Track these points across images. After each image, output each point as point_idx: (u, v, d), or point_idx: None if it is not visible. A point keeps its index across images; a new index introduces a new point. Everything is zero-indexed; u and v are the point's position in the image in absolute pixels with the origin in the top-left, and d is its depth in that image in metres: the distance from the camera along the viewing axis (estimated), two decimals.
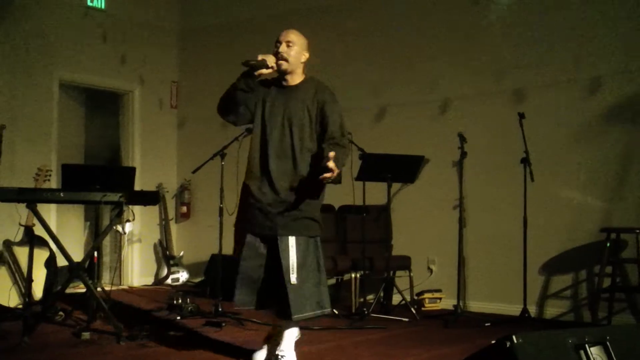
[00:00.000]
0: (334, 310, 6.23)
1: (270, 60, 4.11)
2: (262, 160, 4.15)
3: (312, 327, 5.28)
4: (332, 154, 3.82)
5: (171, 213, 8.93)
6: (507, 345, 2.62)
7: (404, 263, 6.81)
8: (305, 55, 4.27)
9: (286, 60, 4.15)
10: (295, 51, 4.20)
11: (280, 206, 4.08)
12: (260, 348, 4.36)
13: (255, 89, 4.19)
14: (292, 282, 4.01)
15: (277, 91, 4.22)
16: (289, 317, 4.05)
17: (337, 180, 4.07)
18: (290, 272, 4.02)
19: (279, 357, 4.14)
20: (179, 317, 5.80)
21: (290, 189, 4.10)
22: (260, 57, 4.11)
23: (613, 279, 5.96)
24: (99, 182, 5.30)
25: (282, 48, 4.17)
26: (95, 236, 8.44)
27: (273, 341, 4.29)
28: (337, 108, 4.26)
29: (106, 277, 8.54)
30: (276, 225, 4.07)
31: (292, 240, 4.07)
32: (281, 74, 4.20)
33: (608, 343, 2.85)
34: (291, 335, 4.22)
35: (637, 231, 5.72)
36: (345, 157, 4.11)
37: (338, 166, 3.86)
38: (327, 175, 3.82)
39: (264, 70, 4.11)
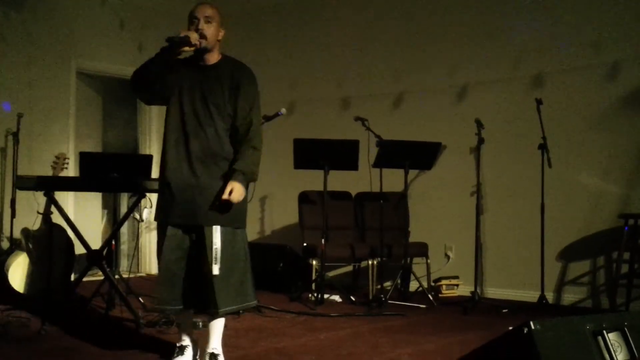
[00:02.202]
0: (352, 297, 6.26)
1: (193, 37, 3.84)
2: (180, 144, 3.84)
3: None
4: (230, 192, 3.65)
5: None
6: (525, 332, 2.62)
7: (422, 250, 6.80)
8: (222, 32, 4.04)
9: (205, 37, 3.88)
10: (214, 27, 3.96)
11: (203, 193, 3.76)
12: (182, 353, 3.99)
13: (173, 67, 3.92)
14: (214, 273, 3.69)
15: (193, 71, 3.94)
16: (215, 311, 3.75)
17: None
18: (214, 263, 3.70)
19: (215, 355, 3.88)
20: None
21: (211, 175, 3.80)
22: (183, 33, 3.84)
23: (631, 265, 5.92)
24: (117, 169, 5.32)
25: (202, 24, 3.89)
26: (113, 224, 8.48)
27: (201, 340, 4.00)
28: (252, 91, 3.99)
29: (124, 264, 8.60)
30: (200, 215, 3.75)
31: (217, 230, 3.75)
32: (199, 52, 3.92)
33: (626, 329, 2.84)
34: (219, 329, 3.94)
35: None
36: (257, 159, 3.87)
37: (235, 198, 3.68)
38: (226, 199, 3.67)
39: (187, 48, 3.85)
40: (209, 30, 3.92)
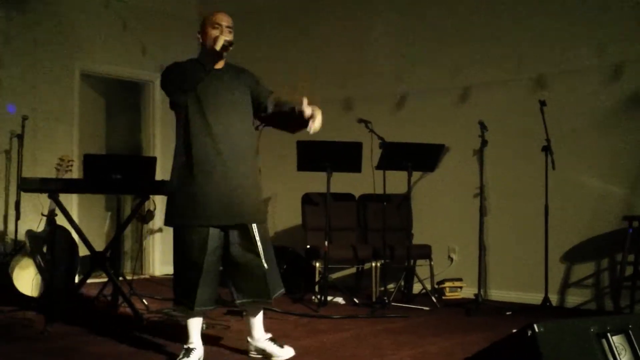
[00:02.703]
0: (355, 299, 6.26)
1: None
2: (208, 146, 3.96)
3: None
4: (305, 102, 4.06)
5: None
6: (529, 334, 2.62)
7: (425, 252, 6.80)
8: None
9: (232, 44, 4.04)
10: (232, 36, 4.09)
11: (239, 192, 3.97)
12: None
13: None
14: (266, 268, 4.01)
15: (209, 75, 4.04)
16: (267, 300, 4.05)
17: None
18: (263, 258, 4.00)
19: (273, 338, 4.16)
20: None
21: (243, 174, 4.02)
22: (224, 38, 3.98)
23: (635, 267, 5.91)
24: (121, 171, 5.33)
25: (226, 32, 4.05)
26: (117, 226, 8.50)
27: None
28: (261, 81, 4.35)
29: (127, 266, 8.61)
30: (241, 213, 3.97)
31: (255, 228, 4.01)
32: (217, 57, 4.04)
33: (630, 332, 2.84)
34: (262, 318, 4.21)
35: None
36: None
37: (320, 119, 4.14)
38: (312, 123, 4.12)
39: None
40: (230, 38, 4.07)
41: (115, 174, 5.27)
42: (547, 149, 6.02)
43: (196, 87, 3.99)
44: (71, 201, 7.48)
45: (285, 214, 8.22)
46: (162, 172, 8.21)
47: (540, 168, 6.12)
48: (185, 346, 4.01)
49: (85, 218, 7.93)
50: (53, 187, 5.05)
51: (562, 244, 6.36)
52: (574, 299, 6.35)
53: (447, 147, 6.81)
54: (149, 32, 8.62)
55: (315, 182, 6.78)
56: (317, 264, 6.52)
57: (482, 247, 6.31)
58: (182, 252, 3.96)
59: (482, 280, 6.38)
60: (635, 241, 5.89)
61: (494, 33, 6.90)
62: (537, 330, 2.61)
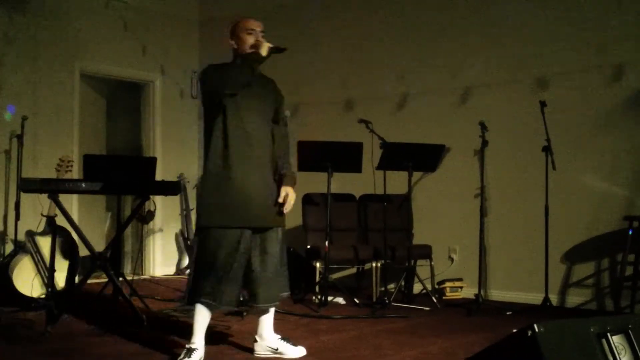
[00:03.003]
0: (355, 299, 6.25)
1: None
2: (243, 148, 4.01)
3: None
4: (285, 195, 4.11)
5: (192, 203, 8.95)
6: (529, 334, 2.61)
7: (425, 252, 6.80)
8: None
9: (281, 50, 4.13)
10: None
11: (267, 196, 4.08)
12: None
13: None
14: (279, 270, 4.18)
15: (245, 78, 4.08)
16: (276, 303, 4.19)
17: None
18: (279, 262, 4.18)
19: (286, 338, 4.24)
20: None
21: (272, 178, 4.15)
22: (270, 44, 4.06)
23: (636, 268, 5.91)
24: (121, 172, 5.33)
25: (260, 37, 4.14)
26: (117, 226, 8.51)
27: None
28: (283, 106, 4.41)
29: (128, 267, 8.61)
30: (271, 216, 4.10)
31: (279, 232, 4.18)
32: (256, 62, 4.07)
33: (630, 332, 2.83)
34: (272, 320, 4.30)
35: None
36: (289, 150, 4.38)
37: (292, 201, 4.17)
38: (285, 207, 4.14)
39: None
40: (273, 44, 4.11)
41: (116, 174, 5.26)
42: (547, 150, 6.02)
43: (240, 91, 4.02)
44: (71, 201, 7.48)
45: (287, 215, 8.19)
46: (162, 172, 8.24)
47: (540, 168, 6.12)
48: (187, 346, 4.00)
49: (86, 218, 7.94)
50: (53, 188, 5.05)
51: (562, 244, 6.36)
52: (575, 299, 6.35)
53: (447, 148, 6.81)
54: (149, 33, 8.63)
55: (316, 182, 6.77)
56: (318, 264, 6.52)
57: (482, 248, 6.31)
58: (213, 252, 3.96)
59: (482, 281, 6.38)
60: (636, 241, 5.89)
61: (494, 34, 6.90)
62: (537, 330, 2.60)
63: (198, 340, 4.01)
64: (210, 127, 4.06)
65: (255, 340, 4.27)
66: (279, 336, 4.26)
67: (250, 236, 4.04)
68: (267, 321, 4.25)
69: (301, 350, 4.24)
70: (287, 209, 4.15)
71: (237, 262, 3.97)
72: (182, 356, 3.95)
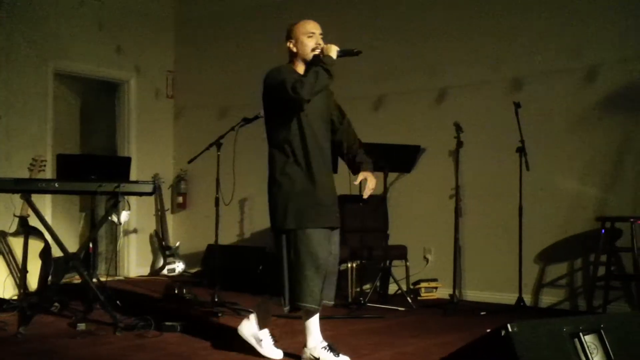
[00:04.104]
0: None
1: None
2: (318, 153, 4.13)
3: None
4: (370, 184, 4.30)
5: (167, 203, 8.92)
6: (503, 334, 2.63)
7: (401, 252, 6.81)
8: None
9: (355, 53, 4.28)
10: None
11: (334, 197, 4.21)
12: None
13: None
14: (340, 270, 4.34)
15: None
16: (331, 302, 4.22)
17: None
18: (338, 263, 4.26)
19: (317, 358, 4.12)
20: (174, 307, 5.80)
21: (333, 182, 4.26)
22: (336, 48, 4.17)
23: (608, 268, 5.97)
24: (95, 172, 5.29)
25: (320, 40, 4.21)
26: (91, 227, 8.44)
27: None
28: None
29: (102, 267, 8.54)
30: (338, 216, 4.21)
31: (338, 233, 4.25)
32: (332, 66, 4.12)
33: (602, 331, 2.86)
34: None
35: (632, 220, 5.73)
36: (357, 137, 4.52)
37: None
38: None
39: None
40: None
41: (89, 174, 5.22)
42: (521, 151, 6.06)
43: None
44: (44, 201, 7.41)
45: (261, 215, 8.16)
46: (137, 172, 8.19)
47: (515, 169, 6.16)
48: (323, 345, 4.08)
49: (59, 219, 7.87)
50: (26, 188, 5.00)
51: (536, 245, 6.41)
52: (548, 299, 6.40)
53: (423, 148, 6.84)
54: (124, 32, 8.58)
55: None
56: None
57: (457, 248, 6.34)
58: (312, 255, 4.00)
59: (457, 281, 6.40)
60: (608, 242, 5.95)
61: (470, 35, 6.93)
62: (511, 330, 2.62)
63: (321, 336, 4.13)
64: (283, 130, 4.12)
65: (303, 350, 4.21)
66: (325, 344, 4.15)
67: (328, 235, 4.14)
68: (312, 326, 4.18)
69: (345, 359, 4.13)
70: (367, 194, 4.30)
71: (327, 262, 4.06)
72: (333, 355, 4.02)
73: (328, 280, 4.11)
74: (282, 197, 4.12)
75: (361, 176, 4.28)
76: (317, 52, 4.11)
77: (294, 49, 4.19)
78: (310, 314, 4.10)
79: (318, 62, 4.05)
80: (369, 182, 4.29)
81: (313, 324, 4.12)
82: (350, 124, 4.46)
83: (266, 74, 4.17)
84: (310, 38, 4.16)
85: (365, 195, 4.28)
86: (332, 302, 4.20)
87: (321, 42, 4.16)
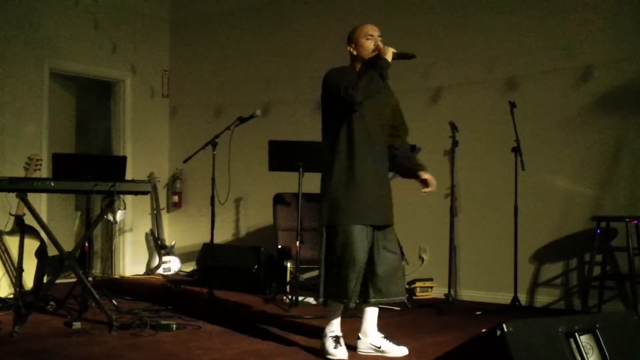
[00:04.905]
0: (321, 301, 6.23)
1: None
2: (367, 154, 4.24)
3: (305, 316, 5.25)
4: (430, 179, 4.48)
5: (163, 202, 8.91)
6: (498, 334, 2.63)
7: None
8: None
9: (408, 56, 4.39)
10: None
11: (386, 197, 4.34)
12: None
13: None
14: (402, 265, 4.44)
15: None
16: (402, 298, 4.45)
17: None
18: (401, 257, 4.42)
19: (389, 337, 4.39)
20: (169, 307, 5.79)
21: (387, 181, 4.39)
22: (392, 50, 4.29)
23: (603, 267, 5.99)
24: (90, 171, 5.28)
25: (379, 42, 4.32)
26: (87, 226, 8.44)
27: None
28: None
29: (97, 266, 8.53)
30: (388, 215, 4.36)
31: (392, 231, 4.38)
32: (386, 68, 4.29)
33: (598, 331, 2.87)
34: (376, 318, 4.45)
35: (627, 220, 5.74)
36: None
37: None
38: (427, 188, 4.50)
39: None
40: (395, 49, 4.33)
41: (85, 173, 5.22)
42: (516, 150, 6.07)
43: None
44: (40, 200, 7.40)
45: (257, 214, 8.20)
46: (132, 171, 8.18)
47: (510, 169, 6.17)
48: (332, 335, 4.26)
49: (54, 218, 7.85)
50: (22, 187, 4.99)
51: (531, 244, 6.42)
52: (543, 298, 6.41)
53: (418, 148, 6.83)
54: (120, 31, 8.57)
55: (287, 181, 6.78)
56: (289, 264, 6.51)
57: (452, 247, 6.34)
58: (345, 251, 4.15)
59: (452, 280, 6.41)
60: (603, 241, 5.96)
61: (465, 34, 6.94)
62: (506, 330, 2.63)
63: (338, 328, 4.31)
64: (336, 128, 4.27)
65: (359, 338, 4.40)
66: (382, 335, 4.38)
67: (371, 234, 4.23)
68: (371, 319, 4.39)
69: (403, 350, 4.34)
70: (427, 190, 4.52)
71: (364, 259, 4.17)
72: (334, 346, 4.22)
73: (385, 277, 4.25)
74: (327, 193, 4.26)
75: (425, 175, 4.49)
76: (375, 53, 4.25)
77: (354, 52, 4.34)
78: (337, 311, 4.30)
79: (374, 64, 4.19)
80: (431, 182, 4.48)
81: (335, 317, 4.32)
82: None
83: (326, 73, 4.33)
84: (369, 40, 4.29)
85: (425, 192, 4.53)
86: (398, 298, 4.39)
87: (380, 43, 4.28)
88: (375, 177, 4.26)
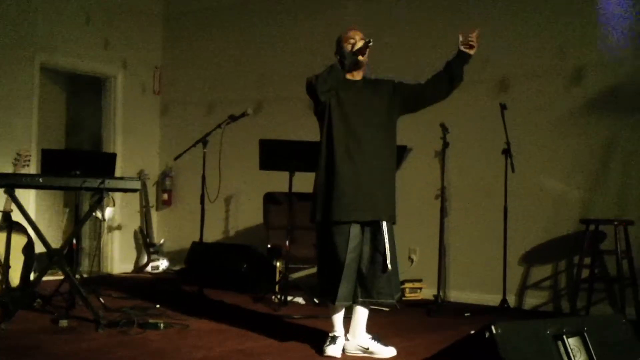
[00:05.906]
0: (315, 299, 6.23)
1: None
2: (346, 149, 4.26)
3: (294, 315, 5.23)
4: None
5: (152, 200, 8.88)
6: (487, 335, 2.63)
7: None
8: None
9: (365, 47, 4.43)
10: None
11: (366, 192, 4.24)
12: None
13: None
14: (389, 268, 4.20)
15: (345, 84, 4.41)
16: (389, 300, 4.30)
17: None
18: (388, 258, 4.20)
19: (376, 337, 4.38)
20: (158, 306, 5.76)
21: (376, 173, 4.30)
22: (360, 44, 4.36)
23: (592, 270, 5.99)
24: (79, 167, 5.26)
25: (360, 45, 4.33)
26: (75, 223, 8.41)
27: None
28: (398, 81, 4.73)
29: (85, 264, 8.49)
30: (371, 209, 4.22)
31: (385, 226, 4.25)
32: (354, 68, 4.43)
33: (585, 334, 2.87)
34: (366, 317, 4.41)
35: (616, 223, 5.75)
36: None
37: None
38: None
39: (360, 57, 4.40)
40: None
41: (74, 170, 5.19)
42: (507, 152, 6.07)
43: (337, 87, 4.29)
44: (28, 197, 7.35)
45: (247, 213, 8.18)
46: (122, 168, 8.16)
47: (500, 170, 6.17)
48: (330, 334, 4.32)
49: (43, 214, 7.82)
50: (10, 182, 4.96)
51: (520, 246, 6.42)
52: (532, 300, 6.41)
53: (409, 149, 6.83)
54: (112, 27, 8.53)
55: (277, 180, 6.76)
56: (278, 264, 6.50)
57: (442, 249, 6.34)
58: (326, 248, 4.22)
59: (441, 282, 6.41)
60: (592, 244, 5.97)
61: (456, 35, 6.92)
62: (495, 331, 2.63)
63: (338, 329, 4.35)
64: (321, 125, 4.40)
65: (347, 339, 4.40)
66: (370, 335, 4.39)
67: (360, 231, 4.21)
68: (360, 319, 4.38)
69: (391, 351, 4.34)
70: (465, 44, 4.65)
71: (348, 258, 4.14)
72: (327, 343, 4.26)
73: (370, 276, 4.22)
74: (315, 190, 4.34)
75: (462, 46, 4.74)
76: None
77: (339, 58, 4.40)
78: (333, 309, 4.33)
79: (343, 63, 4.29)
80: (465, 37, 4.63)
81: (334, 316, 4.35)
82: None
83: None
84: (349, 44, 4.41)
85: (463, 45, 4.75)
86: (388, 301, 4.31)
87: (359, 43, 4.39)
88: (361, 175, 4.23)
